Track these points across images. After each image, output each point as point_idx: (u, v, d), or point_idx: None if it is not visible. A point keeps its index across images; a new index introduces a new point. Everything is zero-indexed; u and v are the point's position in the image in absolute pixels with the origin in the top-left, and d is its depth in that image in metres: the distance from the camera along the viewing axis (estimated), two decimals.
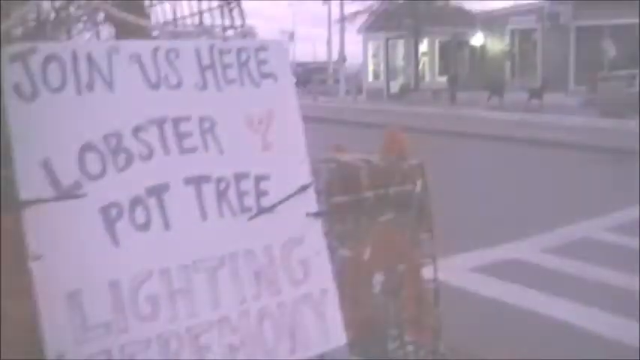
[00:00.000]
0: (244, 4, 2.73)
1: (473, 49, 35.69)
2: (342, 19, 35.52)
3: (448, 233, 8.25)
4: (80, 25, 2.90)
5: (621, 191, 10.90)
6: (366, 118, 24.18)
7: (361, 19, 35.07)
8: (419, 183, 3.60)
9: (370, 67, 37.07)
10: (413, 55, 33.58)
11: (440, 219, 3.76)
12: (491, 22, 35.09)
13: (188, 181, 2.28)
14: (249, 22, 2.68)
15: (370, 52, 36.85)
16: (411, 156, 3.63)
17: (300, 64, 68.37)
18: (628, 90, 22.83)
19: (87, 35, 2.88)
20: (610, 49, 29.35)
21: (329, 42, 43.59)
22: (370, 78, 36.99)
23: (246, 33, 2.66)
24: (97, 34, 2.85)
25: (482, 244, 7.80)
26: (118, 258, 2.13)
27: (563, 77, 30.76)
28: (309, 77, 41.47)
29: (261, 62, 2.51)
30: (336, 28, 38.12)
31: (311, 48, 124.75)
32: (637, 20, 28.34)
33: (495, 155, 16.22)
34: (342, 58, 37.19)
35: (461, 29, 34.51)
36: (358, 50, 38.00)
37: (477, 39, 35.18)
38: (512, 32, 34.48)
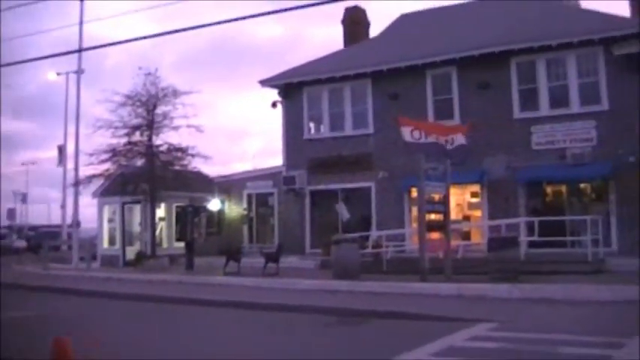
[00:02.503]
0: None
1: (210, 214, 35.59)
2: (77, 182, 34.10)
3: None
4: None
5: (357, 355, 10.84)
6: (97, 287, 23.27)
7: (97, 183, 33.85)
8: None
9: (106, 233, 35.54)
10: (149, 220, 32.66)
11: None
12: (229, 186, 35.45)
13: None
14: None
15: (106, 217, 35.43)
16: None
17: (32, 228, 65.26)
18: (360, 252, 23.67)
19: None
20: (343, 212, 30.55)
21: (63, 205, 41.79)
22: (106, 244, 35.36)
23: None
24: None
25: None
26: None
27: (300, 240, 31.41)
28: (41, 242, 39.15)
29: None
30: (71, 191, 36.54)
31: (46, 210, 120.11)
32: (368, 184, 29.89)
33: (228, 322, 15.61)
34: (76, 222, 35.44)
35: (199, 194, 34.46)
36: (94, 214, 36.38)
37: (214, 204, 35.18)
38: (250, 197, 34.96)
